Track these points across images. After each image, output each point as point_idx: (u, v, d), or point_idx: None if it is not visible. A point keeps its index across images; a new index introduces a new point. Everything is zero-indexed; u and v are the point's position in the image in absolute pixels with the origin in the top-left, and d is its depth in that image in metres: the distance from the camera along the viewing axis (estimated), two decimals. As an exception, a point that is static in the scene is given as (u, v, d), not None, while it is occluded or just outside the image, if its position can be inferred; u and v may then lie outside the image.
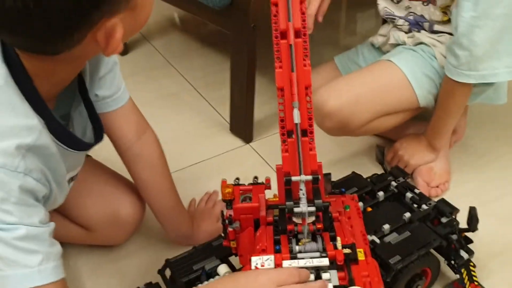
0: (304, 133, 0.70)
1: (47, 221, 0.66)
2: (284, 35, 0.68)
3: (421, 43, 1.10)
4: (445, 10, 1.06)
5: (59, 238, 0.95)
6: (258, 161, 1.24)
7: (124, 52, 1.66)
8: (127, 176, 0.97)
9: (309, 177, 0.68)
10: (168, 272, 0.85)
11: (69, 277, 0.95)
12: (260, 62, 1.21)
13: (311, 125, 0.71)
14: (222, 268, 0.81)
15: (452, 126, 1.10)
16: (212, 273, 0.82)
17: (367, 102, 1.02)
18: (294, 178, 0.69)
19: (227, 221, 0.77)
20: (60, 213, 0.95)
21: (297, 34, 0.68)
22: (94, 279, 0.98)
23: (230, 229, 0.77)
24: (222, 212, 0.78)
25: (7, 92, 0.61)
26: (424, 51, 1.08)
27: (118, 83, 0.86)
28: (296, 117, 0.69)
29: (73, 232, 0.96)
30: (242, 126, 1.31)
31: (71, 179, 0.80)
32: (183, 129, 1.36)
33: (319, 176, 0.69)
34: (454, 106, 1.05)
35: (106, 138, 0.92)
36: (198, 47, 1.71)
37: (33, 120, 0.63)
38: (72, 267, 0.99)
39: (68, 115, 0.76)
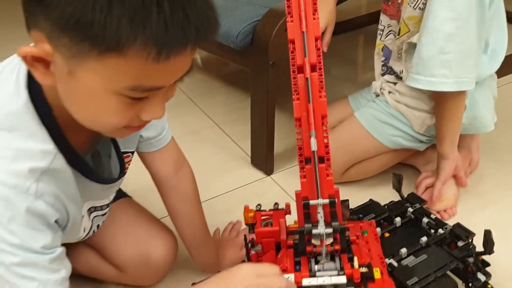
0: (321, 160, 0.75)
1: (55, 246, 0.66)
2: (300, 69, 0.75)
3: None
4: (409, 21, 1.10)
5: (93, 275, 1.02)
6: (279, 192, 1.29)
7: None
8: (161, 208, 1.02)
9: (326, 201, 0.73)
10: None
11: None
12: (279, 98, 1.28)
13: (327, 153, 0.76)
14: (246, 292, 0.85)
15: (453, 134, 1.12)
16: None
17: (336, 155, 1.04)
18: (312, 202, 0.73)
19: (249, 245, 0.81)
20: (95, 251, 1.01)
21: (313, 68, 0.74)
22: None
23: (252, 252, 0.81)
24: (245, 236, 0.82)
25: (26, 117, 0.62)
26: (380, 100, 1.22)
27: (163, 124, 0.91)
28: (313, 145, 0.74)
29: (106, 271, 1.00)
30: (263, 159, 1.36)
31: (93, 209, 0.82)
32: (207, 163, 1.42)
33: (336, 200, 0.73)
34: (447, 113, 1.09)
35: (138, 172, 0.98)
36: (219, 86, 1.79)
37: (49, 145, 0.64)
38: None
39: (97, 153, 0.79)
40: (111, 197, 0.87)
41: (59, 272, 0.66)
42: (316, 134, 0.74)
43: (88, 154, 0.74)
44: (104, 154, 0.79)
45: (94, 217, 0.84)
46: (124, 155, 0.82)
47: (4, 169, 0.60)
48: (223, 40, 1.24)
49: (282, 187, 1.31)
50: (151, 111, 0.60)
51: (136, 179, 1.06)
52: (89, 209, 0.80)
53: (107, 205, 0.87)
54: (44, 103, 0.63)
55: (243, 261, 0.92)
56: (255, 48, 1.21)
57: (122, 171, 0.81)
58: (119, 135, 0.67)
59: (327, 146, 0.75)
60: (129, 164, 0.86)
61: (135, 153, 0.90)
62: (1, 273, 0.62)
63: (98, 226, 0.88)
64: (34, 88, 0.63)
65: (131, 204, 1.05)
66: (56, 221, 0.67)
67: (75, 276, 1.01)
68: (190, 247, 1.00)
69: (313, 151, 0.74)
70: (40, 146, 0.63)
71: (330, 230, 0.72)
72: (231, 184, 1.33)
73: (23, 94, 0.62)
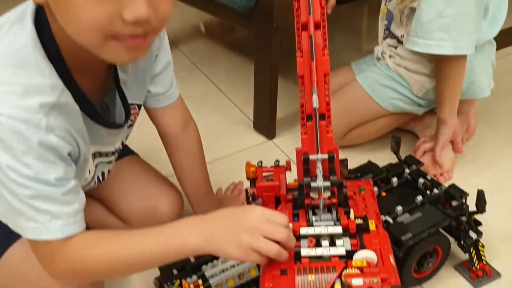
0: (322, 117, 0.77)
1: (68, 179, 0.67)
2: (305, 27, 0.76)
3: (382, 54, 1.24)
4: None
5: (99, 227, 1.05)
6: (280, 156, 1.32)
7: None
8: (166, 167, 1.05)
9: (325, 156, 0.76)
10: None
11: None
12: (282, 64, 1.29)
13: (328, 110, 0.78)
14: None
15: (453, 99, 1.14)
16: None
17: (337, 118, 1.05)
18: (311, 157, 0.76)
19: (250, 198, 0.84)
20: (102, 204, 1.04)
21: (317, 26, 0.76)
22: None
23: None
24: (246, 189, 0.85)
25: (33, 53, 0.63)
26: (381, 64, 1.24)
27: (172, 81, 0.93)
28: (315, 102, 0.76)
29: (112, 224, 1.04)
30: (265, 124, 1.38)
31: (98, 154, 0.83)
32: (209, 128, 1.43)
33: (335, 155, 0.76)
34: (446, 77, 1.11)
35: (144, 131, 1.01)
36: (223, 52, 1.81)
37: (57, 81, 0.65)
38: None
39: (105, 105, 0.81)
40: (117, 146, 0.88)
41: (72, 205, 0.68)
42: (318, 92, 0.77)
43: (97, 105, 0.77)
44: (112, 105, 0.81)
45: (99, 163, 0.86)
46: (131, 106, 0.84)
47: (15, 105, 0.61)
48: (227, 1, 1.25)
49: (283, 151, 1.34)
50: (131, 5, 0.58)
51: (141, 139, 1.09)
52: (94, 154, 0.82)
53: (113, 153, 0.89)
54: (52, 40, 0.64)
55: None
56: (259, 10, 1.22)
57: (128, 119, 0.83)
58: (114, 55, 0.63)
59: (328, 103, 0.78)
60: (135, 117, 0.88)
61: (141, 115, 0.92)
62: (16, 206, 0.64)
63: (103, 174, 0.90)
64: (41, 26, 0.64)
65: (138, 161, 1.09)
66: (68, 154, 0.68)
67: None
68: (192, 202, 1.04)
69: (315, 108, 0.76)
70: (48, 81, 0.64)
71: (328, 184, 0.75)
72: (233, 148, 1.35)
73: (31, 30, 0.63)
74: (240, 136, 1.41)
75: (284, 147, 1.35)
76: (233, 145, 1.36)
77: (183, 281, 0.83)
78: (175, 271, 0.88)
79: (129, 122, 0.86)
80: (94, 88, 0.74)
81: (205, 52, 1.81)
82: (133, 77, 0.83)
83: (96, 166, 0.85)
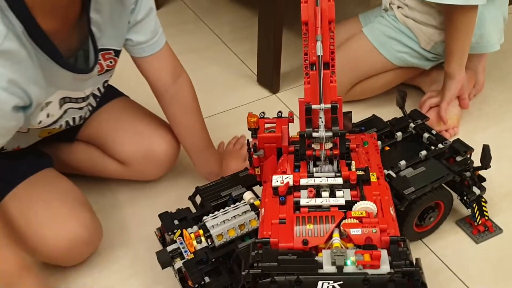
0: (326, 66, 0.75)
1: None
2: None
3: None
4: None
5: (97, 172, 1.05)
6: (283, 110, 1.28)
7: (156, 7, 1.71)
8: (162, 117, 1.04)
9: (328, 105, 0.74)
10: (198, 199, 0.92)
11: (108, 204, 1.05)
12: (287, 17, 1.26)
13: (333, 59, 0.75)
14: (247, 195, 0.88)
15: (462, 52, 1.11)
16: (238, 199, 0.89)
17: (342, 72, 1.09)
18: (314, 106, 0.74)
19: (252, 149, 0.83)
20: (99, 149, 1.03)
21: None
22: (131, 207, 1.06)
23: (254, 156, 0.83)
24: (248, 140, 0.84)
25: None
26: (389, 15, 1.19)
27: (155, 29, 0.89)
28: (319, 49, 0.74)
29: (110, 166, 1.04)
30: (269, 77, 1.36)
31: (67, 99, 0.82)
32: (212, 80, 1.42)
33: (338, 105, 0.74)
34: (456, 30, 1.08)
35: (138, 86, 0.98)
36: (227, 3, 1.76)
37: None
38: (110, 197, 1.08)
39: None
40: (88, 91, 0.86)
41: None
42: (322, 39, 0.74)
43: (69, 50, 0.74)
44: (82, 53, 0.79)
45: (68, 108, 0.84)
46: (104, 51, 0.82)
47: None
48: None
49: (287, 105, 1.32)
50: None
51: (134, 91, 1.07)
52: (63, 98, 0.80)
53: (83, 99, 0.86)
54: None
55: (245, 169, 0.94)
56: (264, -41, 1.18)
57: (96, 63, 0.81)
58: None
59: (333, 52, 0.75)
60: (111, 62, 0.86)
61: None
62: None
63: (73, 119, 0.89)
64: None
65: (129, 102, 1.07)
66: (14, 107, 0.67)
67: (81, 177, 1.06)
68: (192, 155, 1.03)
69: (319, 56, 0.74)
70: None
71: (330, 134, 0.73)
72: (237, 101, 1.34)
73: None
74: (243, 89, 1.38)
75: (288, 101, 1.33)
76: (236, 99, 1.34)
77: (184, 231, 0.83)
78: (176, 222, 0.88)
79: (98, 67, 0.83)
80: (64, 31, 0.72)
81: (208, 4, 1.77)
82: (108, 19, 0.81)
83: (65, 112, 0.84)
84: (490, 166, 0.92)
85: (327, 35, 0.74)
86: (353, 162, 0.75)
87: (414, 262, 0.61)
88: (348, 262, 0.61)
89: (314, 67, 0.75)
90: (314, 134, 0.74)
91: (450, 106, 1.16)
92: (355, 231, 0.64)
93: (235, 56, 1.52)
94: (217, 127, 1.25)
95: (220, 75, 1.44)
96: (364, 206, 0.67)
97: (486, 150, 0.91)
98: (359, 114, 1.03)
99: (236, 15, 1.69)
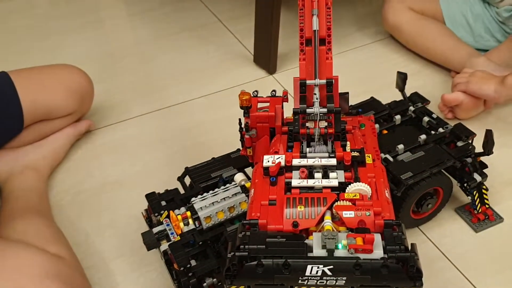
0: (322, 42, 0.72)
1: None
2: None
3: None
4: None
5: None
6: (280, 91, 1.26)
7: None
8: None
9: (323, 81, 0.70)
10: (187, 180, 0.89)
11: (97, 183, 1.02)
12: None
13: (329, 35, 0.72)
14: (239, 176, 0.84)
15: None
16: (229, 181, 0.85)
17: None
18: (308, 82, 0.71)
19: (243, 129, 0.79)
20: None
21: None
22: (120, 188, 1.03)
23: (246, 136, 0.79)
24: (239, 119, 0.80)
25: None
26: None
27: None
28: (315, 24, 0.71)
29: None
30: (266, 57, 1.32)
31: None
32: (209, 59, 1.39)
33: (333, 81, 0.70)
34: None
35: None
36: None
37: None
38: (98, 177, 1.05)
39: None
40: None
41: None
42: (318, 13, 0.71)
43: None
44: None
45: None
46: None
47: None
48: None
49: (283, 86, 1.28)
50: None
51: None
52: None
53: None
54: None
55: (237, 150, 0.91)
56: None
57: None
58: None
59: (329, 28, 0.72)
60: None
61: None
62: None
63: None
64: None
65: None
66: None
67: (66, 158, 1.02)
68: None
69: (314, 31, 0.71)
70: None
71: (324, 110, 0.70)
72: (232, 81, 1.30)
73: None
74: (239, 69, 1.35)
75: (285, 82, 1.29)
76: (232, 79, 1.31)
77: (171, 212, 0.80)
78: (163, 203, 0.84)
79: None
80: None
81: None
82: None
83: None
84: (492, 152, 0.88)
85: (324, 9, 0.71)
86: (348, 143, 0.72)
87: (410, 247, 0.58)
88: (340, 245, 0.57)
89: (310, 43, 0.72)
90: (308, 110, 0.70)
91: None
92: (347, 214, 0.60)
93: (232, 35, 1.47)
94: (212, 107, 1.22)
95: (216, 54, 1.40)
96: (358, 188, 0.63)
97: (489, 135, 0.87)
98: (357, 97, 0.99)
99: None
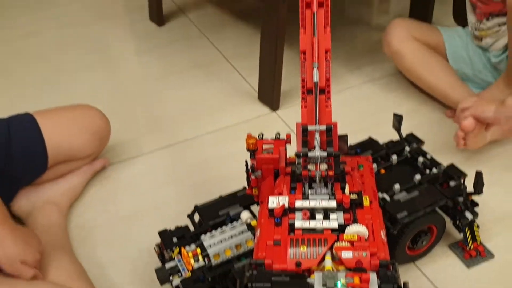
0: (322, 91, 0.78)
1: None
2: (308, 4, 0.77)
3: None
4: None
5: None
6: (283, 128, 1.32)
7: (161, 23, 1.76)
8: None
9: (323, 127, 0.77)
10: (196, 217, 0.94)
11: (112, 215, 1.07)
12: (288, 35, 1.29)
13: (328, 85, 0.79)
14: (245, 214, 0.90)
15: None
16: (236, 218, 0.91)
17: None
18: (310, 127, 0.77)
19: (250, 170, 0.85)
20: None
21: (320, 4, 0.77)
22: (133, 221, 1.09)
23: (252, 177, 0.85)
24: (246, 161, 0.86)
25: None
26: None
27: None
28: (315, 76, 0.77)
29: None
30: (270, 94, 1.38)
31: None
32: (214, 95, 1.45)
33: (333, 127, 0.77)
34: None
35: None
36: (231, 20, 1.79)
37: None
38: (113, 211, 1.11)
39: None
40: None
41: None
42: (318, 66, 0.77)
43: None
44: None
45: None
46: None
47: None
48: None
49: (286, 123, 1.34)
50: None
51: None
52: None
53: None
54: None
55: (244, 188, 0.96)
56: (267, -18, 1.21)
57: None
58: None
59: (328, 79, 0.78)
60: None
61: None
62: None
63: None
64: None
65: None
66: None
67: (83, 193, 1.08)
68: None
69: (315, 82, 0.77)
70: None
71: (324, 154, 0.76)
72: (238, 118, 1.36)
73: None
74: (244, 106, 1.41)
75: (288, 119, 1.36)
76: (236, 115, 1.37)
77: (182, 249, 0.85)
78: (175, 239, 0.90)
79: None
80: None
81: (212, 20, 1.80)
82: None
83: None
84: (482, 192, 0.94)
85: (323, 63, 0.78)
86: (347, 185, 0.77)
87: (402, 285, 0.63)
88: (339, 284, 0.62)
89: (311, 92, 0.79)
90: (310, 154, 0.77)
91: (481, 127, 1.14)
92: (346, 254, 0.65)
93: (237, 72, 1.54)
94: (215, 143, 1.28)
95: (222, 91, 1.47)
96: (356, 230, 0.69)
97: (478, 176, 0.93)
98: (356, 134, 1.05)
99: (240, 31, 1.73)
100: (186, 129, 1.33)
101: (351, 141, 1.00)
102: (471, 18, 1.28)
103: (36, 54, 1.66)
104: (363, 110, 1.38)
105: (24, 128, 0.99)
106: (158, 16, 1.76)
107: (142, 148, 1.27)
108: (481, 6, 1.22)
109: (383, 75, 1.49)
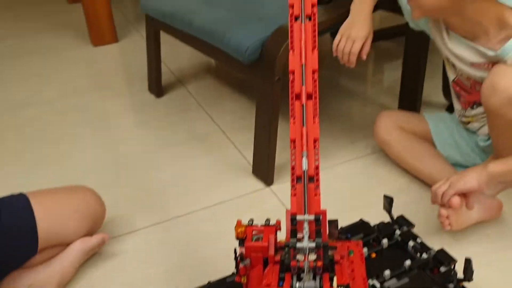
0: (311, 179, 0.80)
1: None
2: (298, 96, 0.80)
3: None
4: None
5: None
6: (276, 204, 1.33)
7: (160, 94, 1.80)
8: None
9: (312, 217, 0.77)
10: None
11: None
12: (283, 110, 1.31)
13: (317, 174, 0.80)
14: (233, 303, 0.89)
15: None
16: (224, 305, 0.90)
17: None
18: (298, 217, 0.78)
19: (238, 258, 0.85)
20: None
21: (309, 96, 0.80)
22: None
23: (241, 265, 0.85)
24: (235, 249, 0.86)
25: None
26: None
27: None
28: (305, 164, 0.79)
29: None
30: (264, 169, 1.40)
31: None
32: (209, 169, 1.47)
33: (321, 217, 0.77)
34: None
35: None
36: (228, 93, 1.84)
37: None
38: (118, 284, 1.09)
39: None
40: None
41: None
42: (307, 155, 0.79)
43: None
44: None
45: None
46: None
47: None
48: (233, 53, 1.29)
49: (280, 199, 1.35)
50: None
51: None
52: None
53: None
54: None
55: (233, 274, 0.96)
56: (262, 64, 1.26)
57: None
58: None
59: (317, 167, 0.80)
60: None
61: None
62: None
63: None
64: None
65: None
66: None
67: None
68: None
69: (304, 171, 0.79)
70: None
71: (313, 245, 0.76)
72: (231, 193, 1.37)
73: None
74: (239, 180, 1.42)
75: (281, 195, 1.36)
76: (231, 190, 1.38)
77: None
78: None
79: None
80: None
81: (211, 92, 1.85)
82: None
83: None
84: (472, 279, 0.93)
85: (312, 152, 0.80)
86: (335, 277, 0.77)
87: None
88: None
89: (300, 180, 0.80)
90: (298, 245, 0.77)
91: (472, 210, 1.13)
92: None
93: (233, 145, 1.57)
94: (211, 220, 1.28)
95: (217, 164, 1.49)
96: (343, 326, 0.68)
97: (467, 263, 0.93)
98: (347, 213, 1.05)
99: (238, 104, 1.77)
100: (181, 205, 1.33)
101: (342, 220, 1.00)
102: (456, 106, 1.31)
103: (37, 122, 1.69)
104: (355, 186, 1.39)
105: (16, 211, 0.99)
106: (157, 88, 1.81)
107: (134, 224, 1.27)
108: (465, 95, 1.25)
109: (376, 150, 1.51)
